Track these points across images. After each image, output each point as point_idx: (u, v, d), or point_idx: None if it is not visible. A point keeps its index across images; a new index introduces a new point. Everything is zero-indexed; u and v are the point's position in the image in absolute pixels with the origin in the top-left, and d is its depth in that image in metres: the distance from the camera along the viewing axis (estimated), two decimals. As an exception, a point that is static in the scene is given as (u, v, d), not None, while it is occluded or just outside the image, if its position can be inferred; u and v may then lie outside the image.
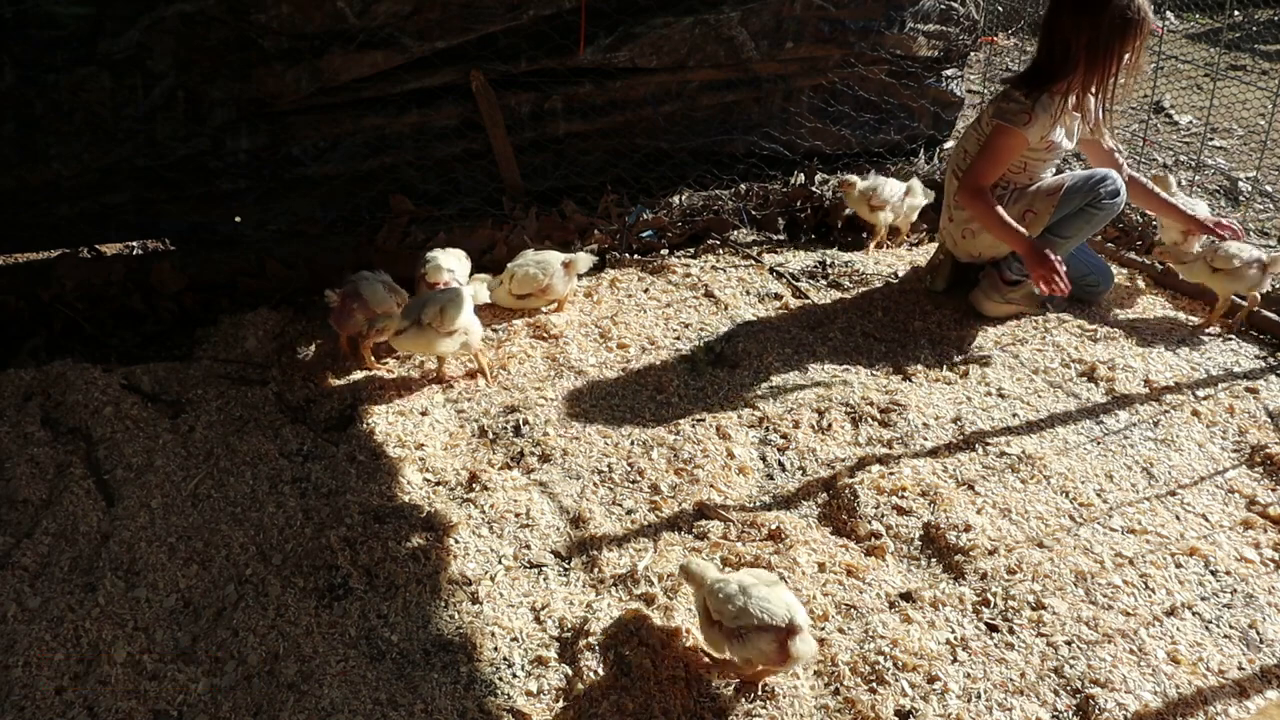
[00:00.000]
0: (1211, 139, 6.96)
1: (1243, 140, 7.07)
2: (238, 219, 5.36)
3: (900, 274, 5.33)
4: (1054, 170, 4.85)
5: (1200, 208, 5.03)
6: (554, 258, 4.88)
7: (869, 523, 3.49)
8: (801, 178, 6.05)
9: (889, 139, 6.36)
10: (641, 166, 5.87)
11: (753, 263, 5.49)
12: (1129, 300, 5.04)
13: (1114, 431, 4.00)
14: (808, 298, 5.11)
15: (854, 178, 5.54)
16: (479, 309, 4.37)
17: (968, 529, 3.40)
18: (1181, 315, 4.87)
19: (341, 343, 4.47)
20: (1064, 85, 4.42)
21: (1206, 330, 4.68)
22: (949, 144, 6.61)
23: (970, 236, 4.83)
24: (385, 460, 3.84)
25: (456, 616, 3.12)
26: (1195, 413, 4.08)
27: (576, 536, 3.46)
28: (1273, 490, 3.65)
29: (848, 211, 5.76)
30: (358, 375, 4.39)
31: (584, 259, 4.96)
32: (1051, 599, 3.11)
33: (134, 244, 5.62)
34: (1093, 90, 4.42)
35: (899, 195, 5.49)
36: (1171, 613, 3.10)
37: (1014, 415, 4.11)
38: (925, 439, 3.96)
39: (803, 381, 4.37)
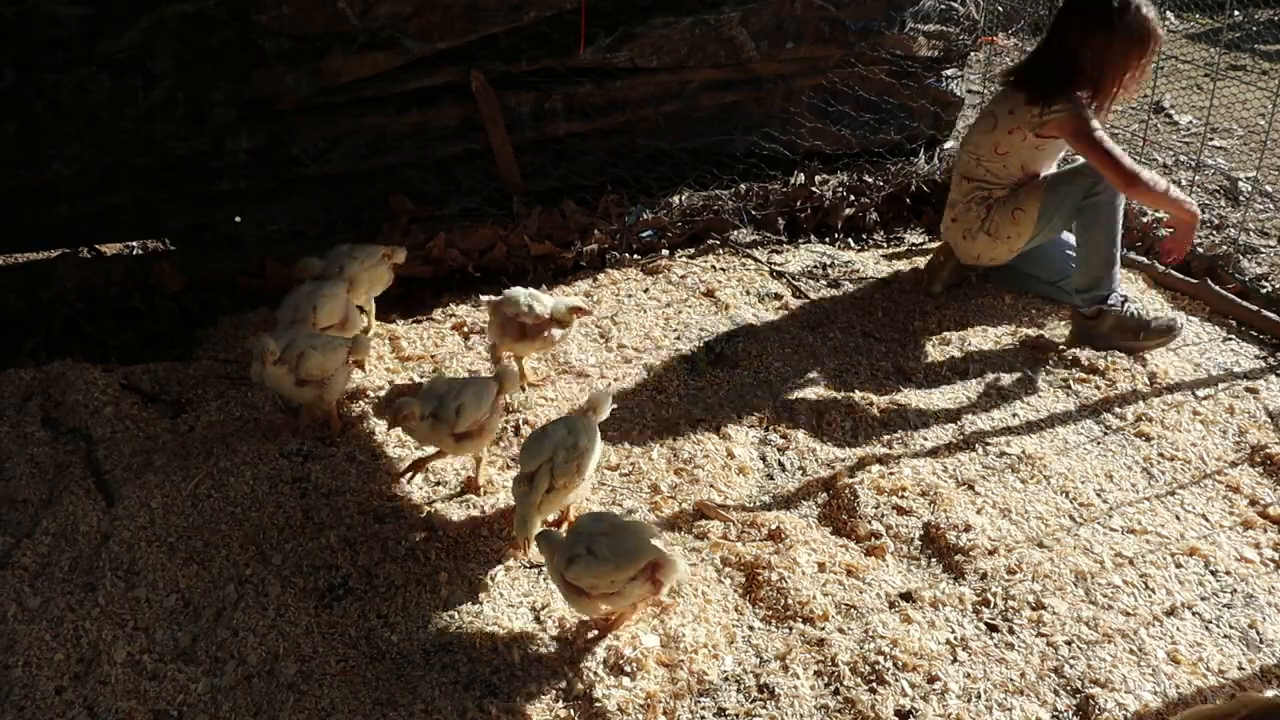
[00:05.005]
0: (1211, 139, 6.96)
1: (1243, 140, 7.06)
2: (238, 219, 5.36)
3: (900, 274, 5.33)
4: (1056, 165, 4.87)
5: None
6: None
7: (869, 522, 3.49)
8: (801, 178, 6.05)
9: (889, 139, 6.36)
10: (642, 166, 5.87)
11: (753, 263, 5.49)
12: (1129, 300, 5.04)
13: (1114, 431, 4.00)
14: (808, 298, 5.11)
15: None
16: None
17: (968, 529, 3.40)
18: (1181, 315, 4.86)
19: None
20: (1077, 90, 4.45)
21: None
22: (949, 144, 6.61)
23: (970, 239, 4.85)
24: (385, 460, 3.83)
25: (456, 617, 3.11)
26: (1195, 413, 4.08)
27: (576, 536, 3.46)
28: (1273, 490, 3.65)
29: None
30: (357, 375, 4.38)
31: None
32: (1051, 599, 3.11)
33: (134, 244, 5.62)
34: (1094, 99, 4.47)
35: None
36: (1171, 613, 3.10)
37: (1014, 415, 4.11)
38: (925, 439, 3.96)
39: (802, 381, 4.37)
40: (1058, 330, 4.72)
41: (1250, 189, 5.95)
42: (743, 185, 5.97)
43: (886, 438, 3.97)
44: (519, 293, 4.16)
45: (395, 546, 3.38)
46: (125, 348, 4.72)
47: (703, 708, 2.80)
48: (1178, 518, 3.53)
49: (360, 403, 4.21)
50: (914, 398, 4.21)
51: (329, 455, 3.86)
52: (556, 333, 4.21)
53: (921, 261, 5.41)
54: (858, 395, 4.21)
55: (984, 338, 4.67)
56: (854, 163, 6.23)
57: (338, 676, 2.91)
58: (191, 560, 3.33)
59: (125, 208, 5.13)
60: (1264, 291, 4.89)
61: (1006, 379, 4.36)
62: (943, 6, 6.18)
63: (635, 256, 5.56)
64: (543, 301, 4.17)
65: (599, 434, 3.38)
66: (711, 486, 3.69)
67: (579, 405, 3.51)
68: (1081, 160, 4.56)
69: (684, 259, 5.55)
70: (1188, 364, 4.42)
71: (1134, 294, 4.89)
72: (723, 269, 5.43)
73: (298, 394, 3.86)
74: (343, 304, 4.29)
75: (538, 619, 3.12)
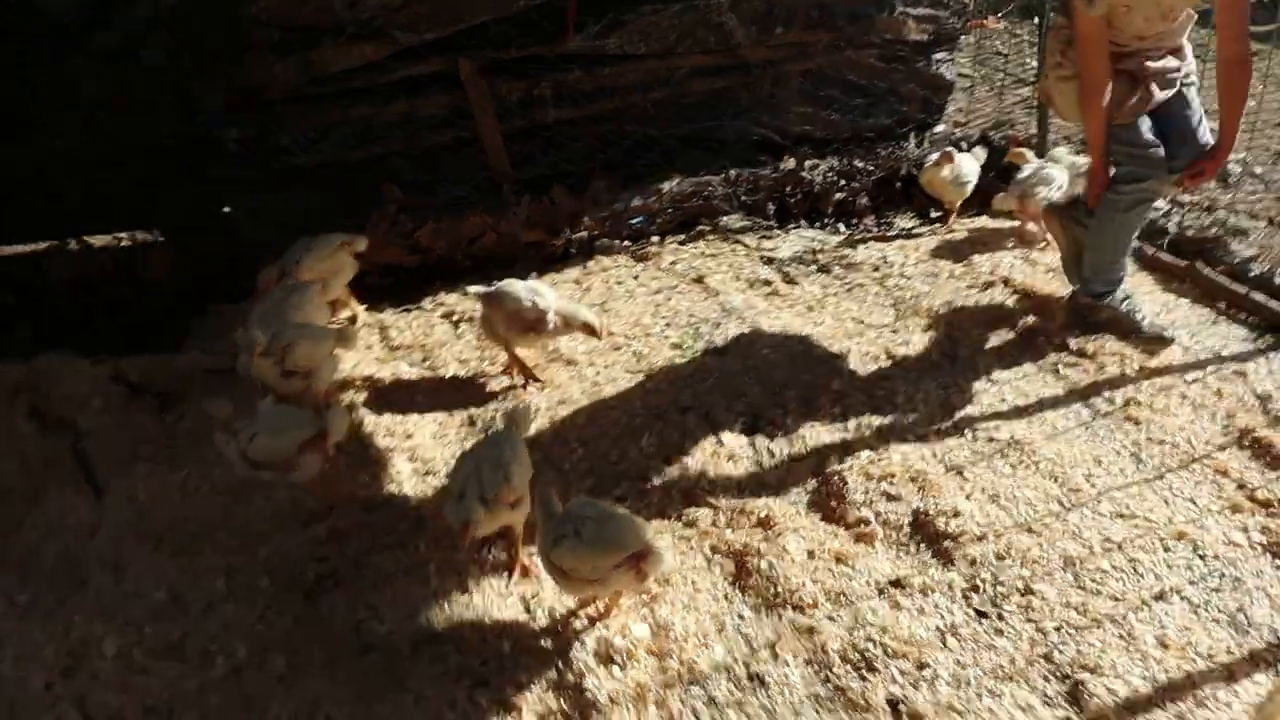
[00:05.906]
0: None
1: (1234, 122, 7.04)
2: (227, 209, 5.34)
3: (890, 258, 5.32)
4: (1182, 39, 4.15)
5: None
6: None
7: (858, 509, 3.49)
8: (791, 163, 6.03)
9: (879, 123, 6.32)
10: (631, 153, 5.84)
11: (743, 248, 5.48)
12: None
13: (1102, 415, 4.00)
14: (798, 284, 5.10)
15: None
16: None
17: (956, 515, 3.40)
18: (1171, 297, 4.86)
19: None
20: None
21: None
22: (939, 128, 6.59)
23: (1050, 71, 4.31)
24: (374, 450, 3.83)
25: (446, 607, 3.11)
26: (1184, 396, 4.08)
27: (566, 526, 3.45)
28: (1261, 474, 3.65)
29: None
30: (346, 364, 4.37)
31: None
32: (1040, 584, 3.11)
33: (125, 234, 5.59)
34: None
35: None
36: (1160, 597, 3.11)
37: (1003, 400, 4.10)
38: (914, 424, 3.95)
39: (792, 368, 4.36)
40: (1047, 315, 4.71)
41: (1240, 171, 5.94)
42: (732, 171, 5.94)
43: (876, 423, 3.97)
44: (518, 287, 4.08)
45: (384, 537, 3.38)
46: (115, 339, 4.70)
47: (693, 697, 2.81)
48: (1166, 502, 3.53)
49: (350, 392, 4.20)
50: (903, 383, 4.20)
51: (318, 446, 3.85)
52: (553, 320, 4.12)
53: (912, 245, 5.39)
54: (847, 381, 4.20)
55: (973, 322, 4.66)
56: (844, 147, 6.20)
57: (326, 668, 2.91)
58: (180, 553, 3.33)
59: (116, 198, 5.11)
60: (1252, 274, 4.88)
61: (996, 364, 4.35)
62: (932, -10, 6.15)
63: (625, 243, 5.55)
64: (543, 294, 4.10)
65: (523, 447, 3.29)
66: (700, 474, 3.69)
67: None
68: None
69: (674, 245, 5.54)
70: (1176, 347, 4.40)
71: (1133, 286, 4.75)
72: (713, 255, 5.42)
73: (285, 385, 3.84)
74: (316, 307, 4.25)
75: (527, 609, 3.12)
